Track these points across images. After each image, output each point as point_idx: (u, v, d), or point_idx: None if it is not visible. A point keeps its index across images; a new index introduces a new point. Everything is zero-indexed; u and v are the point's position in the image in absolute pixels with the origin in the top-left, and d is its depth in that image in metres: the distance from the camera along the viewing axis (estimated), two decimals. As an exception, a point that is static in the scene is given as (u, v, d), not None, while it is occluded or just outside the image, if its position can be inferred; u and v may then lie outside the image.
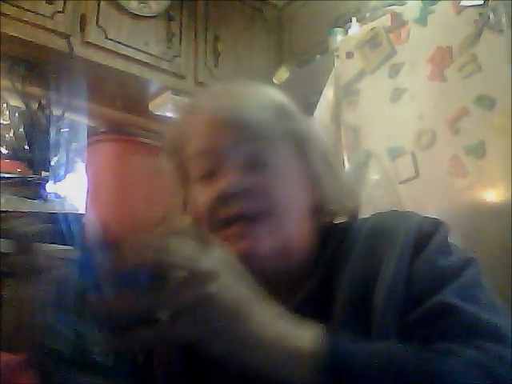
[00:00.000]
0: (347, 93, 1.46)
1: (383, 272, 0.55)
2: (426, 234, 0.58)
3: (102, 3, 2.13)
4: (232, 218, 0.61)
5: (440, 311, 0.51)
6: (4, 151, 1.94)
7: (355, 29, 1.78)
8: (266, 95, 0.68)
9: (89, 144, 1.33)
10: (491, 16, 1.16)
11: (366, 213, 1.26)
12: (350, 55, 1.48)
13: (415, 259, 0.56)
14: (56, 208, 1.56)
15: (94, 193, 1.31)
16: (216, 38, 2.46)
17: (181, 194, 0.70)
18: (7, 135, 2.00)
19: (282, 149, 0.65)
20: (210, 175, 0.64)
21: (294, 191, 0.65)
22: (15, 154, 1.95)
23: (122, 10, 2.18)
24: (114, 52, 2.13)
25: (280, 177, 0.64)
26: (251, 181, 0.62)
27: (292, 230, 0.63)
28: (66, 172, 1.95)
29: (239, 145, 0.63)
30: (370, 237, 0.61)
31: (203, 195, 0.63)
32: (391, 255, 0.56)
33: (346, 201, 0.69)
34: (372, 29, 1.44)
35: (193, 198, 0.66)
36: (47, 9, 1.95)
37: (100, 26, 2.11)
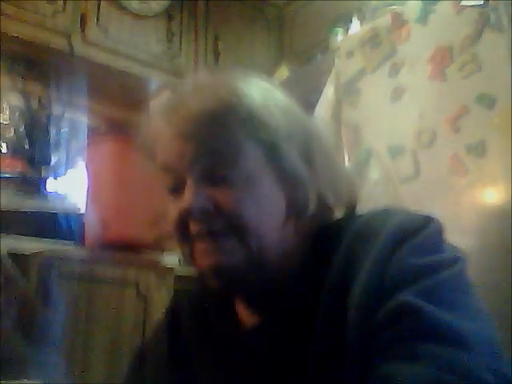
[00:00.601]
0: (348, 92, 1.46)
1: (359, 277, 0.52)
2: (409, 232, 0.54)
3: (102, 3, 2.13)
4: (199, 234, 0.59)
5: (399, 312, 0.48)
6: (4, 150, 1.94)
7: (356, 28, 1.78)
8: (231, 97, 0.61)
9: (89, 143, 1.33)
10: (491, 16, 1.16)
11: (366, 210, 1.26)
12: (350, 54, 1.48)
13: (391, 258, 0.52)
14: (56, 207, 1.56)
15: (93, 192, 1.31)
16: (216, 38, 2.47)
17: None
18: (8, 134, 2.00)
19: (247, 157, 0.60)
20: (176, 189, 0.62)
21: (265, 199, 0.61)
22: (16, 153, 1.95)
23: (123, 9, 2.18)
24: (114, 51, 2.13)
25: (244, 188, 0.60)
26: (212, 196, 0.59)
27: (266, 238, 0.60)
28: (67, 171, 1.95)
29: (198, 159, 0.59)
30: (354, 238, 0.57)
31: (173, 209, 0.61)
32: (369, 256, 0.53)
33: (338, 194, 0.65)
34: (372, 28, 1.44)
35: (166, 209, 0.64)
36: (47, 8, 1.96)
37: (100, 26, 2.11)
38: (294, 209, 0.62)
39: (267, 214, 0.60)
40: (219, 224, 0.59)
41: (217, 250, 0.59)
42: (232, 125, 0.59)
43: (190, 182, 0.60)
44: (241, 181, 0.59)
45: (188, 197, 0.59)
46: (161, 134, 0.62)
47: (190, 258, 0.61)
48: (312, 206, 0.61)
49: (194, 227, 0.59)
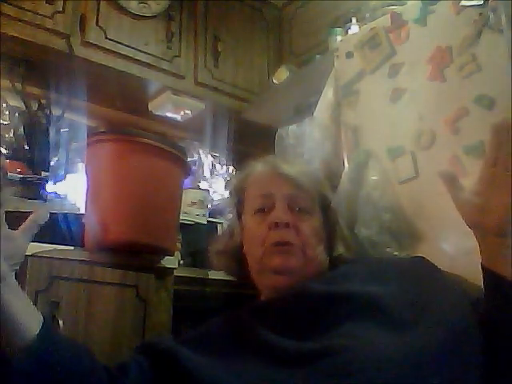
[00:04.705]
0: (347, 93, 1.46)
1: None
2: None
3: (101, 3, 2.13)
4: (278, 241, 0.92)
5: None
6: (4, 151, 1.94)
7: (355, 29, 1.78)
8: (305, 166, 1.10)
9: (88, 144, 1.32)
10: (491, 16, 1.16)
11: (365, 212, 1.25)
12: (349, 55, 1.48)
13: None
14: (56, 208, 1.55)
15: (93, 193, 1.30)
16: (216, 38, 2.47)
17: (236, 223, 1.04)
18: (7, 135, 2.00)
19: (313, 202, 0.99)
20: (264, 210, 0.96)
21: (317, 231, 0.97)
22: (15, 154, 1.95)
23: (122, 10, 2.18)
24: (113, 52, 2.13)
25: (310, 219, 0.96)
26: (293, 218, 0.94)
27: (316, 253, 0.95)
28: (66, 172, 1.94)
29: (288, 192, 0.96)
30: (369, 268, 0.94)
31: (260, 224, 0.95)
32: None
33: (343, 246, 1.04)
34: (372, 29, 1.44)
35: (248, 226, 0.99)
36: (47, 9, 1.96)
37: (100, 26, 2.11)
38: (328, 245, 1.00)
39: (318, 240, 0.96)
40: (293, 237, 0.92)
41: (288, 254, 0.92)
42: (309, 180, 1.00)
43: (279, 206, 0.95)
44: (309, 214, 0.98)
45: (278, 214, 0.94)
46: (264, 174, 1.01)
47: (261, 258, 0.94)
48: (338, 246, 1.02)
49: (276, 236, 0.92)
